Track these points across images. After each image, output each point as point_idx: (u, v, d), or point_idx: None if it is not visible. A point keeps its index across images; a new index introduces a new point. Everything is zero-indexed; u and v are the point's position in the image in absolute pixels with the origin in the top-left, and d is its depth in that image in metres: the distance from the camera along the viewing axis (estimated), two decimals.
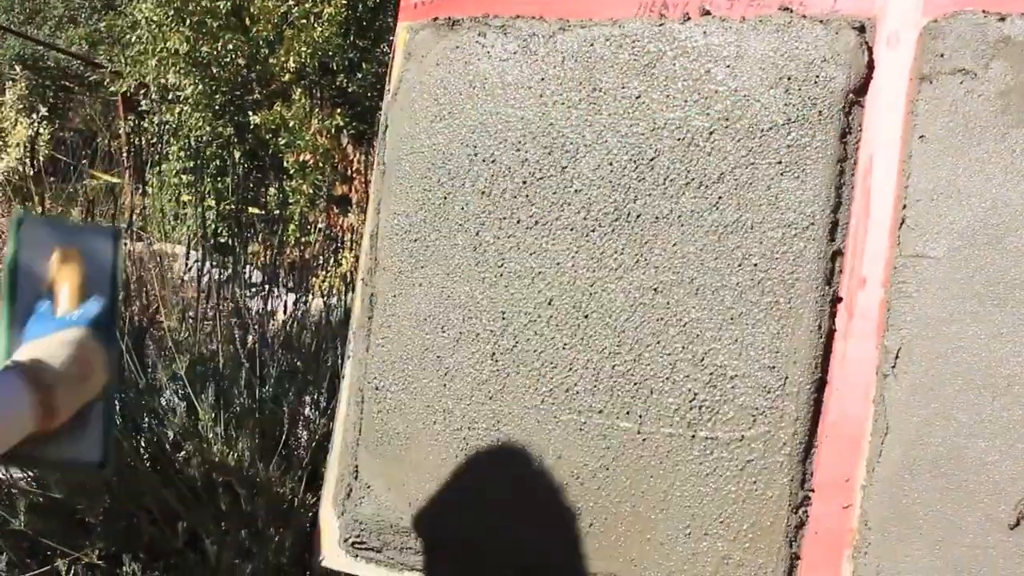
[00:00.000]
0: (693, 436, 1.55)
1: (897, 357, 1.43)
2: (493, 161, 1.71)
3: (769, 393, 1.50)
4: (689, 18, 1.60)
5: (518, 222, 1.69)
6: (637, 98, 1.62)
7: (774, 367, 1.50)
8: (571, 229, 1.65)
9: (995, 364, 1.37)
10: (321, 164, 7.68)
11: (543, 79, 1.69)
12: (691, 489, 1.54)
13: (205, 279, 3.92)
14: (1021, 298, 1.36)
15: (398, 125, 1.82)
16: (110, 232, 1.52)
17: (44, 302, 1.45)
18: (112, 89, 10.37)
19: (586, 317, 1.63)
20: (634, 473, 1.58)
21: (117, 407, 1.42)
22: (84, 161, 9.05)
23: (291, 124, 8.26)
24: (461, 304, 1.73)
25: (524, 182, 1.69)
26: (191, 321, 3.50)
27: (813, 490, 1.48)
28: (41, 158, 8.43)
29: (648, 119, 1.61)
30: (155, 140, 8.39)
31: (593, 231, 1.63)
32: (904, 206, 1.44)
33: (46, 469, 1.66)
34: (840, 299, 1.49)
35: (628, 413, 1.59)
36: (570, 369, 1.64)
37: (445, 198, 1.76)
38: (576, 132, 1.66)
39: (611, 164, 1.62)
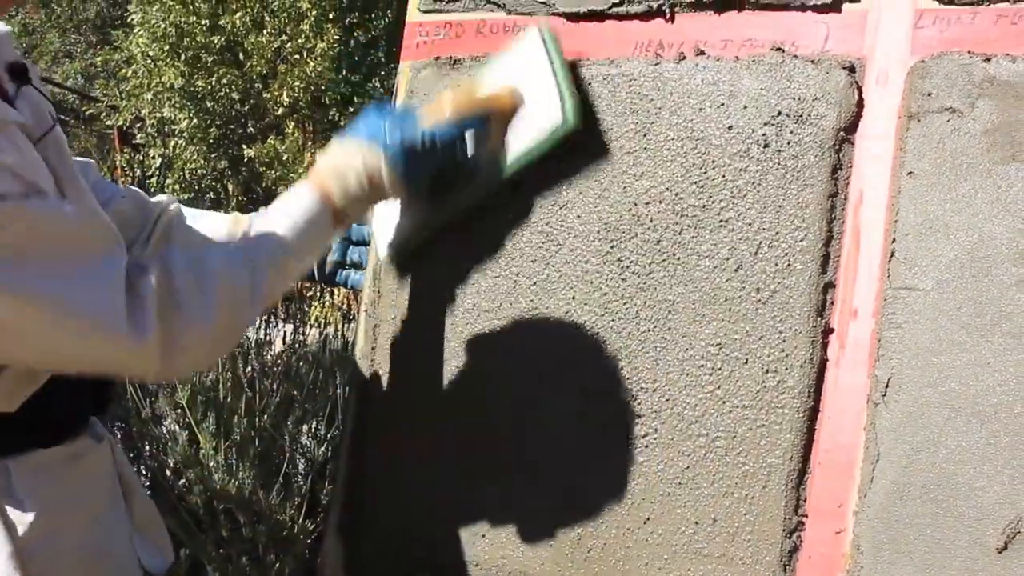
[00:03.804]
0: (688, 465, 1.57)
1: (888, 386, 1.45)
2: (491, 199, 1.73)
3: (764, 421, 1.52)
4: (684, 58, 1.63)
5: (516, 262, 1.71)
6: (633, 136, 1.64)
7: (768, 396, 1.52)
8: (566, 263, 1.67)
9: (982, 393, 1.39)
10: None
11: None
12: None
13: None
14: (1007, 329, 1.39)
15: None
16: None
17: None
18: (108, 123, 10.39)
19: (592, 350, 1.65)
20: (628, 500, 1.60)
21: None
22: None
23: (284, 157, 8.27)
24: (463, 338, 1.75)
25: (523, 218, 1.71)
26: None
27: (807, 515, 1.50)
28: None
29: (645, 157, 1.63)
30: (152, 173, 8.40)
31: (587, 273, 1.65)
32: (894, 240, 1.47)
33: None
34: (832, 330, 1.51)
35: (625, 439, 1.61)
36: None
37: (446, 237, 1.77)
38: (573, 168, 1.68)
39: (608, 200, 1.65)
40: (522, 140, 1.66)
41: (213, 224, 1.86)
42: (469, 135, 1.63)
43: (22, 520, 1.46)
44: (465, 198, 1.72)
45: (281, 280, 1.55)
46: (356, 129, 1.60)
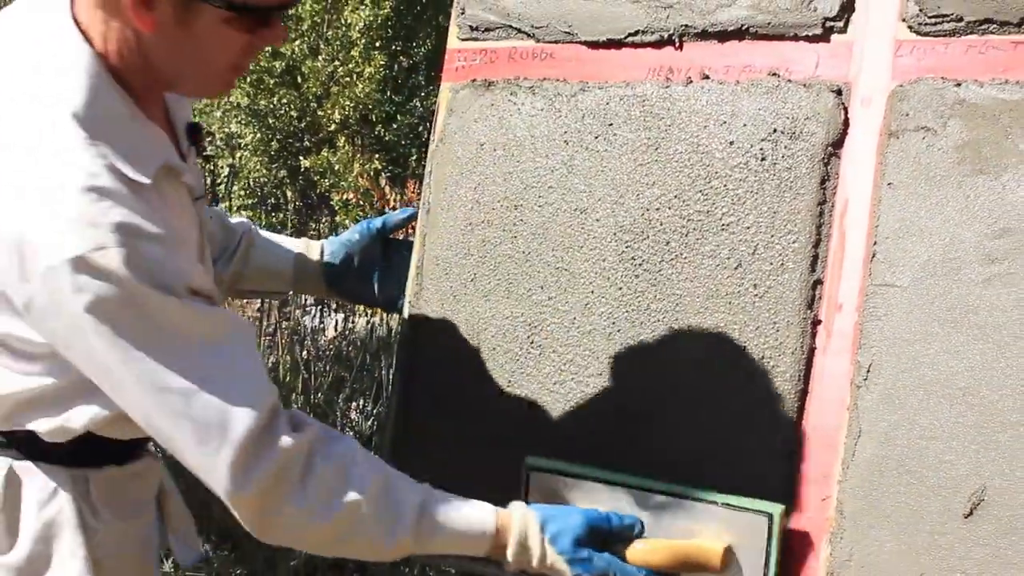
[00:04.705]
0: (693, 441, 1.58)
1: (869, 371, 1.46)
2: (520, 204, 1.74)
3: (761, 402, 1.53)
4: (691, 81, 1.64)
5: (542, 259, 1.72)
6: (646, 150, 1.65)
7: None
8: (587, 261, 1.68)
9: (952, 377, 1.40)
10: (362, 202, 7.71)
11: (566, 132, 1.73)
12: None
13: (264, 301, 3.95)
14: (974, 321, 1.39)
15: (441, 170, 1.85)
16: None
17: None
18: None
19: (608, 339, 1.66)
20: (642, 472, 1.61)
21: None
22: None
23: (336, 168, 8.28)
24: (494, 326, 1.76)
25: (549, 221, 1.72)
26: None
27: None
28: None
29: (656, 168, 1.64)
30: (221, 180, 8.43)
31: (604, 271, 1.66)
32: (875, 242, 1.47)
33: None
34: (820, 321, 1.51)
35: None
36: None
37: (480, 236, 1.79)
38: (594, 178, 1.69)
39: (623, 206, 1.66)
40: None
41: (285, 244, 1.87)
42: None
43: (96, 526, 1.45)
44: None
45: (411, 549, 1.42)
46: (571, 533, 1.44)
